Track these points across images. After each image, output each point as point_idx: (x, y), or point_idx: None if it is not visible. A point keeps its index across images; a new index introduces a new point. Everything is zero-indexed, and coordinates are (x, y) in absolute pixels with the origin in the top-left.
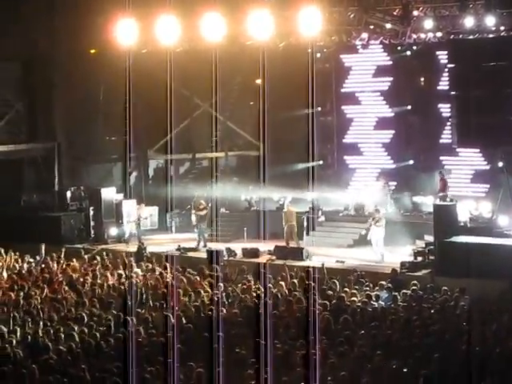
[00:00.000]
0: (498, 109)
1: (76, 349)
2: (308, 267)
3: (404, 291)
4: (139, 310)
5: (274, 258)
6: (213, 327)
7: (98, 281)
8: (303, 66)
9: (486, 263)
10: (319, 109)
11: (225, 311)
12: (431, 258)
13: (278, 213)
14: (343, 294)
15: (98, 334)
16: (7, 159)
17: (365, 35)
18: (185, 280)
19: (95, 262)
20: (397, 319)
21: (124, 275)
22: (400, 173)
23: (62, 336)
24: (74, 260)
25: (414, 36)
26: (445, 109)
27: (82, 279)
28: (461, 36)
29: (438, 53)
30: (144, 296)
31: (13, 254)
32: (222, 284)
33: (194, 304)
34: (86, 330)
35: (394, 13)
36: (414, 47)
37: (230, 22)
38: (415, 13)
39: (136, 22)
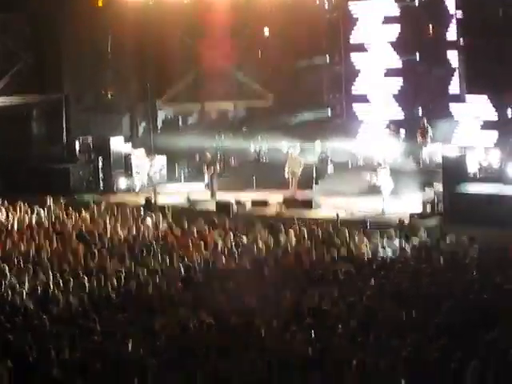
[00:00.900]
0: (506, 56)
1: (86, 300)
2: (317, 218)
3: (413, 240)
4: (149, 262)
5: (283, 208)
6: (222, 279)
7: (108, 232)
8: (311, 15)
9: (494, 212)
10: (327, 58)
11: (234, 264)
12: (440, 207)
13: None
14: (352, 244)
15: (108, 286)
16: (16, 112)
17: None
18: (194, 231)
19: (105, 213)
20: (405, 269)
21: (134, 227)
22: (409, 122)
23: (72, 287)
24: (84, 211)
25: None
26: (453, 57)
27: (91, 231)
28: None
29: (445, 1)
30: (154, 248)
31: (23, 205)
32: (231, 234)
33: (203, 255)
34: (96, 282)
35: None
36: None
37: None
38: None
39: None
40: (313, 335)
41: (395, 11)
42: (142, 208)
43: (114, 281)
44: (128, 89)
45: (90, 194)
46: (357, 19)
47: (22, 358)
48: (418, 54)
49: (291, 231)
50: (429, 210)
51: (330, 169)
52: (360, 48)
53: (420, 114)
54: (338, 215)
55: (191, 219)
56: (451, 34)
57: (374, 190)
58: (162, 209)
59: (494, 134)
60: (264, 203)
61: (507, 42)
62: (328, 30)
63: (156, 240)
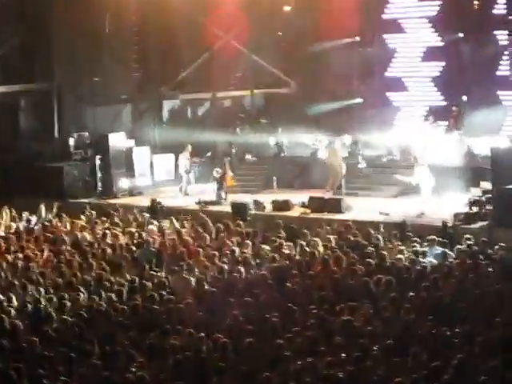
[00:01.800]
0: None
1: (83, 318)
2: (348, 221)
3: (457, 247)
4: (154, 273)
5: (308, 211)
6: (238, 291)
7: (108, 240)
8: None
9: None
10: (357, 39)
11: (252, 273)
12: (488, 208)
13: (311, 159)
14: (387, 252)
15: (107, 302)
16: (1, 102)
17: None
18: (207, 238)
19: (104, 218)
20: (449, 279)
21: (137, 234)
22: (451, 110)
23: (67, 304)
24: (80, 217)
25: None
26: (502, 36)
27: (88, 239)
28: None
29: None
30: (160, 257)
31: (8, 210)
32: (249, 242)
33: (217, 265)
34: (95, 297)
35: None
36: None
37: None
38: None
39: None
40: (343, 356)
41: None
42: (146, 212)
43: (115, 295)
44: (129, 76)
45: (87, 197)
46: None
47: None
48: (461, 32)
49: (318, 237)
50: (475, 211)
51: (362, 165)
52: (394, 26)
53: (464, 100)
54: (375, 219)
55: (202, 224)
56: (499, 7)
57: (412, 189)
58: (170, 212)
59: None
60: (286, 205)
61: None
62: (359, 5)
63: (163, 248)
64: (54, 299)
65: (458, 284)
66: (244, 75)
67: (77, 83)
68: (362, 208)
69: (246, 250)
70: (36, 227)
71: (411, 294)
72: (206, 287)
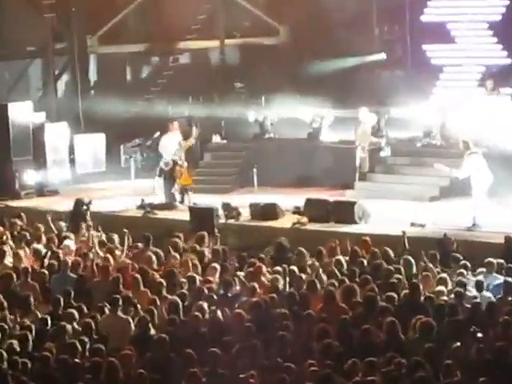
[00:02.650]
0: None
1: None
2: (364, 235)
3: None
4: (74, 311)
5: (304, 219)
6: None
7: (7, 261)
8: None
9: None
10: None
11: (221, 312)
12: None
13: (310, 143)
14: (422, 281)
15: (5, 352)
16: None
17: None
18: (153, 259)
19: None
20: None
21: (49, 252)
22: None
23: None
24: None
25: None
26: None
27: None
28: None
29: None
30: (82, 287)
31: None
32: (216, 265)
33: (169, 300)
34: None
35: None
36: None
37: None
38: None
39: None
40: None
41: None
42: (64, 220)
43: (17, 343)
44: (39, 19)
45: None
46: None
47: None
48: None
49: (319, 259)
50: None
51: (385, 153)
52: None
53: None
54: (404, 233)
55: (147, 238)
56: None
57: (458, 188)
58: (99, 221)
59: None
60: (272, 211)
61: None
62: None
63: (88, 274)
64: None
65: None
66: (210, 18)
67: None
68: (384, 216)
69: (211, 278)
70: None
71: (457, 344)
72: (152, 332)
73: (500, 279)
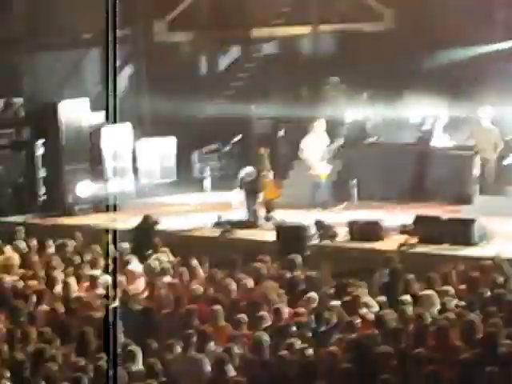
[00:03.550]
0: None
1: None
2: (486, 259)
3: None
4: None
5: (414, 240)
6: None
7: (56, 290)
8: None
9: None
10: None
11: (311, 351)
12: None
13: (420, 149)
14: None
15: None
16: None
17: None
18: (233, 287)
19: (49, 251)
20: None
21: (108, 279)
22: None
23: None
24: (8, 248)
25: None
26: None
27: (22, 286)
28: None
29: None
30: (149, 319)
31: None
32: (309, 295)
33: (252, 337)
34: None
35: None
36: None
37: None
38: None
39: None
40: None
41: None
42: (128, 240)
43: None
44: (97, 4)
45: (21, 213)
46: None
47: None
48: None
49: (431, 288)
50: None
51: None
52: None
53: None
54: None
55: (226, 262)
56: None
57: None
58: (168, 241)
59: None
60: (375, 230)
61: None
62: None
63: (154, 305)
64: None
65: None
66: (300, 1)
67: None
68: (510, 237)
69: (302, 309)
70: None
71: None
72: (231, 375)
73: None
